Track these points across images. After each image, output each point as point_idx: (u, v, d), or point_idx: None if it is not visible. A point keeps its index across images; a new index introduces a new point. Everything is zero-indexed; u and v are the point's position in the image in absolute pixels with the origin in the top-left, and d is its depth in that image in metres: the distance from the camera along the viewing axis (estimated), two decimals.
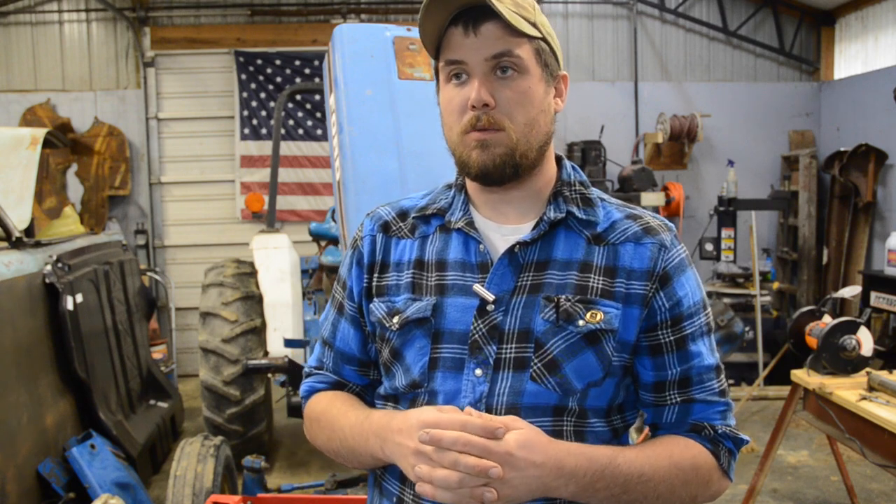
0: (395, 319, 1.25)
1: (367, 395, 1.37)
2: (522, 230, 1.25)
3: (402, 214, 1.35)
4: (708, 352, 1.25)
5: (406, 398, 1.25)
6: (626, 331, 1.20)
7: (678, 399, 1.24)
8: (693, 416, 1.25)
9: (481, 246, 1.24)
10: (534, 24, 1.19)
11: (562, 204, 1.25)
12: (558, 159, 1.33)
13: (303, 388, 1.41)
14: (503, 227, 1.26)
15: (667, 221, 1.29)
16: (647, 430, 1.31)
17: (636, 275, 1.21)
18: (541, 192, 1.27)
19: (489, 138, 1.18)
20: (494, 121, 1.17)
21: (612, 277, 1.21)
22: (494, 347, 1.19)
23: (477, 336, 1.19)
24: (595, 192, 1.30)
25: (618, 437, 1.27)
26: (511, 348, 1.19)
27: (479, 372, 1.18)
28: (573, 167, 1.33)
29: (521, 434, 1.07)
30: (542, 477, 1.07)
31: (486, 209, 1.28)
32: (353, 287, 1.34)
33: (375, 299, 1.30)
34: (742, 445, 1.26)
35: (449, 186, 1.35)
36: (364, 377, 1.37)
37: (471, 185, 1.30)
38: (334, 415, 1.29)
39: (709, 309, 1.28)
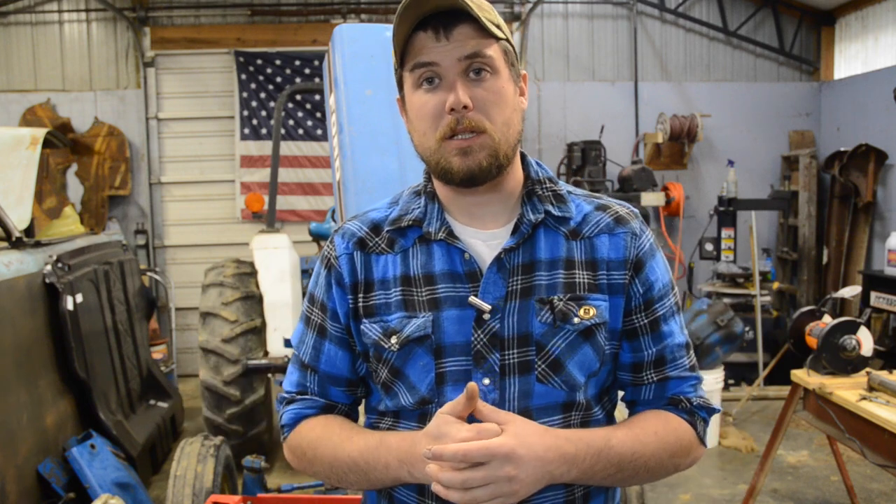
0: (394, 340, 1.23)
1: (353, 413, 1.37)
2: (501, 234, 1.25)
3: (375, 228, 1.30)
4: (678, 330, 1.31)
5: (413, 414, 1.24)
6: (614, 320, 1.25)
7: (654, 378, 1.29)
8: (669, 392, 1.30)
9: (466, 255, 1.23)
10: (497, 26, 1.18)
11: (538, 204, 1.26)
12: (521, 156, 1.32)
13: (286, 415, 1.33)
14: (482, 233, 1.26)
15: (632, 207, 1.32)
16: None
17: (614, 265, 1.25)
18: (513, 193, 1.27)
19: (471, 145, 1.16)
20: (474, 123, 1.15)
21: (595, 270, 1.24)
22: (497, 355, 1.20)
23: (479, 346, 1.20)
24: (564, 187, 1.31)
25: (610, 419, 1.32)
26: (513, 354, 1.20)
27: (486, 381, 1.20)
28: (538, 163, 1.34)
29: (517, 428, 1.11)
30: (547, 466, 1.12)
31: (461, 215, 1.27)
32: (335, 309, 1.29)
33: (366, 320, 1.26)
34: (714, 414, 1.32)
35: (417, 193, 1.31)
36: (351, 396, 1.35)
37: (443, 192, 1.27)
38: (336, 442, 1.25)
39: (675, 289, 1.33)
